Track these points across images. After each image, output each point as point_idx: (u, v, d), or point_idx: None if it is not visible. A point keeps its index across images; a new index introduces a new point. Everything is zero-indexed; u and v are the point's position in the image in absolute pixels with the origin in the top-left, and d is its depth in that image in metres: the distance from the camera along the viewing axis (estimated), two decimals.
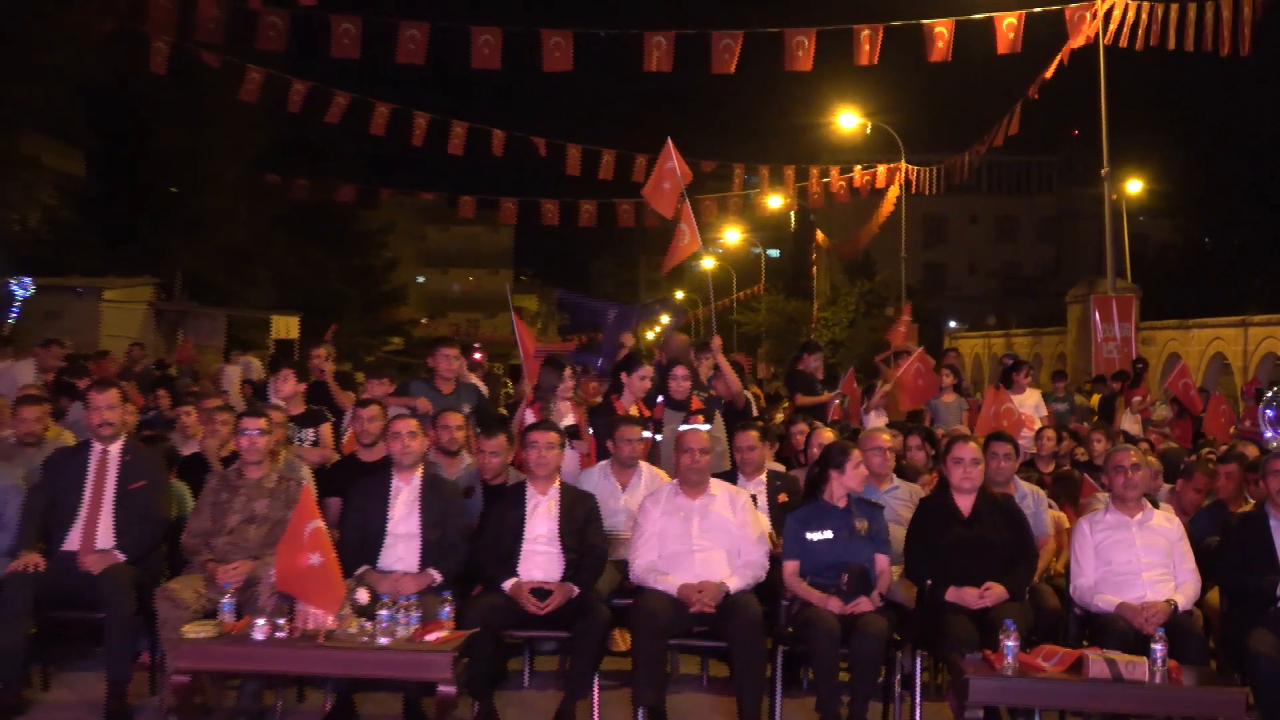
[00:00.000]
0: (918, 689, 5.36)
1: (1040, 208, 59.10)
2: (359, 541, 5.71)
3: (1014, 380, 11.00)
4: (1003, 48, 17.19)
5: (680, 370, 7.64)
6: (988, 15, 17.31)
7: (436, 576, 5.62)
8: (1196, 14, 16.86)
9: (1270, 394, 9.59)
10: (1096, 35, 18.70)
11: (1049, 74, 19.59)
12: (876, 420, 10.37)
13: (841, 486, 5.72)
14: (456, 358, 7.74)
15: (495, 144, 21.53)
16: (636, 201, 24.88)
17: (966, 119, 33.24)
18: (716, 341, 8.49)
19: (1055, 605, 5.94)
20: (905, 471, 7.09)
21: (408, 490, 5.82)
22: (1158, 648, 4.69)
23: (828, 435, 7.07)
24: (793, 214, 44.00)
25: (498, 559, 5.65)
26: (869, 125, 33.87)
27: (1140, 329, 22.06)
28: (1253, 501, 6.44)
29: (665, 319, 24.61)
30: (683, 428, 6.45)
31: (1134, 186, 35.47)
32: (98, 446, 5.89)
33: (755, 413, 9.19)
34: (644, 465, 6.63)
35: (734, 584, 5.52)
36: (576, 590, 5.54)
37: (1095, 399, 14.56)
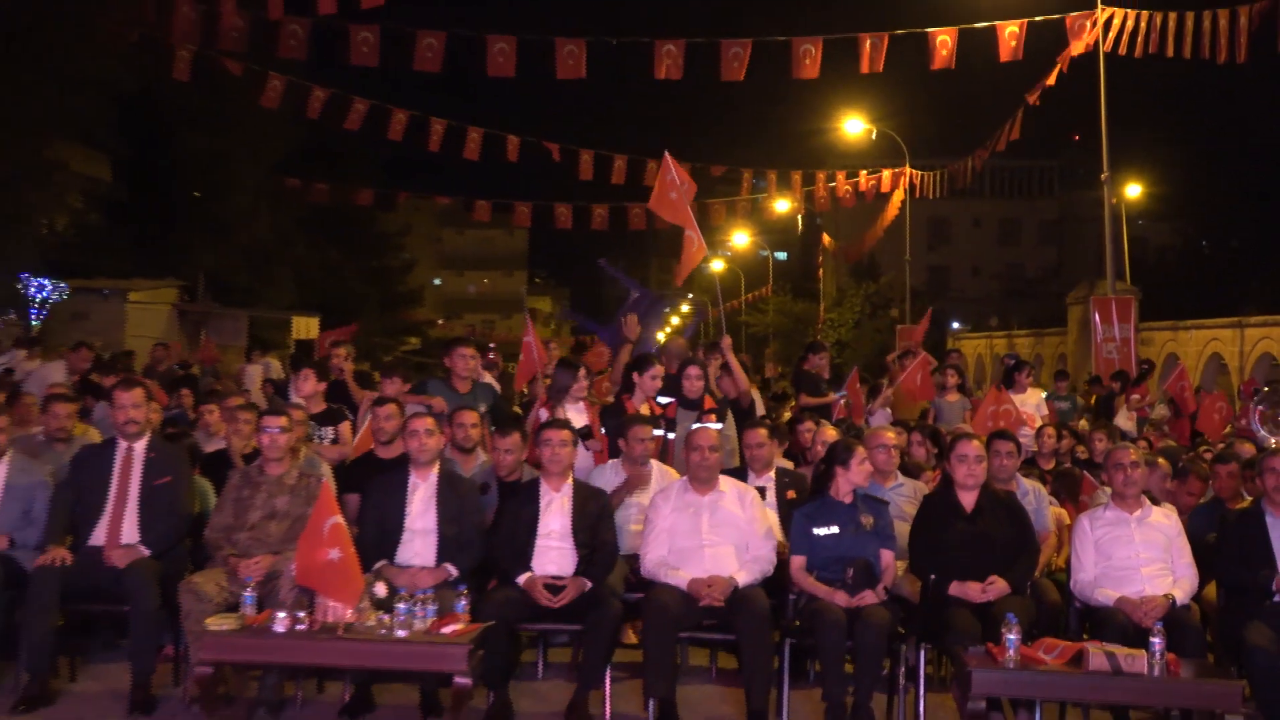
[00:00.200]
0: (922, 681, 5.43)
1: (1042, 211, 59.10)
2: (377, 536, 5.78)
3: (1015, 380, 11.09)
4: (1005, 55, 17.35)
5: (693, 370, 7.74)
6: (990, 24, 17.45)
7: (453, 571, 5.69)
8: (1194, 23, 17.04)
9: (1260, 393, 9.70)
10: (1096, 43, 18.81)
11: (1050, 81, 19.69)
12: (881, 419, 10.50)
13: (847, 483, 5.80)
14: (473, 357, 7.78)
15: (510, 149, 21.60)
16: (648, 205, 24.89)
17: (969, 124, 33.37)
18: (727, 341, 8.58)
19: (1056, 599, 6.03)
20: (907, 468, 7.15)
21: (425, 487, 5.88)
22: (1156, 641, 4.75)
23: (831, 433, 7.16)
24: (800, 217, 44.05)
25: (512, 554, 5.74)
26: (874, 131, 34.03)
27: (1139, 330, 22.15)
28: (1249, 498, 6.51)
29: (675, 320, 24.59)
30: (694, 426, 6.54)
31: (1133, 190, 35.59)
32: (123, 444, 5.97)
33: (761, 411, 9.26)
34: (654, 463, 6.71)
35: (742, 578, 5.60)
36: (589, 584, 5.64)
37: (1093, 399, 14.72)
